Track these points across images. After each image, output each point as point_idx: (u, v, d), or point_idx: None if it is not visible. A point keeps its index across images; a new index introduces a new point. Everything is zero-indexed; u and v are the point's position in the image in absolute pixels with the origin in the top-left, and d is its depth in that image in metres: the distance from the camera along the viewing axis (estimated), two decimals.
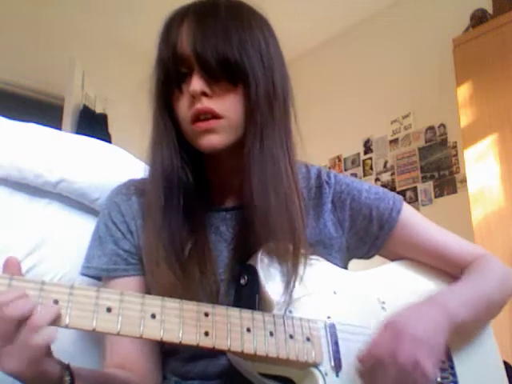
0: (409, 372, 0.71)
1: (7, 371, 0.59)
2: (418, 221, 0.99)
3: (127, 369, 0.82)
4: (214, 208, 0.90)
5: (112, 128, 3.73)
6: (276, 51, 0.88)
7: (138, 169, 1.01)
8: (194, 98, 0.80)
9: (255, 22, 0.86)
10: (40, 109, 3.71)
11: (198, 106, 0.81)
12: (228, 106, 0.82)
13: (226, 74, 0.81)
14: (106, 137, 3.51)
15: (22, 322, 0.59)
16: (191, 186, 0.85)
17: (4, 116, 1.11)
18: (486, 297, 0.90)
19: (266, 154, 0.82)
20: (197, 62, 0.81)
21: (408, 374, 0.71)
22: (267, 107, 0.83)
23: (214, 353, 0.81)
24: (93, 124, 3.51)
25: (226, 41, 0.81)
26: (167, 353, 0.88)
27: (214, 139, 0.82)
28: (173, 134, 0.85)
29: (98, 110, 3.78)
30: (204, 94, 0.80)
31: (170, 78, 0.84)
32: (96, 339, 0.99)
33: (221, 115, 0.81)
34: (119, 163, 1.13)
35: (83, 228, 1.07)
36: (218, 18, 0.82)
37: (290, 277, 0.78)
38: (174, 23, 0.85)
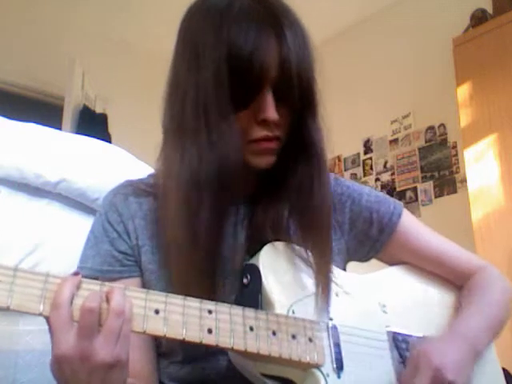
0: None
1: (107, 361, 0.60)
2: (417, 227, 1.00)
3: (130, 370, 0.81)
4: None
5: (112, 128, 3.73)
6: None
7: (138, 169, 1.01)
8: (265, 121, 0.77)
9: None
10: (40, 109, 3.71)
11: (268, 133, 0.78)
12: (285, 130, 0.81)
13: (300, 102, 0.79)
14: (105, 137, 3.50)
15: (121, 314, 0.61)
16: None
17: (4, 116, 1.11)
18: (499, 323, 0.93)
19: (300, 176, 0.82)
20: (280, 84, 0.76)
21: None
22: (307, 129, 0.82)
23: (210, 353, 0.80)
24: (93, 124, 3.51)
25: (309, 69, 0.79)
26: (163, 355, 0.87)
27: (272, 160, 0.81)
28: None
29: (98, 110, 3.78)
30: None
31: (236, 83, 0.75)
32: None
33: (281, 139, 0.81)
34: (119, 163, 1.13)
35: (83, 228, 1.07)
36: (297, 37, 0.80)
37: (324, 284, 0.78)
38: (247, 23, 0.75)
